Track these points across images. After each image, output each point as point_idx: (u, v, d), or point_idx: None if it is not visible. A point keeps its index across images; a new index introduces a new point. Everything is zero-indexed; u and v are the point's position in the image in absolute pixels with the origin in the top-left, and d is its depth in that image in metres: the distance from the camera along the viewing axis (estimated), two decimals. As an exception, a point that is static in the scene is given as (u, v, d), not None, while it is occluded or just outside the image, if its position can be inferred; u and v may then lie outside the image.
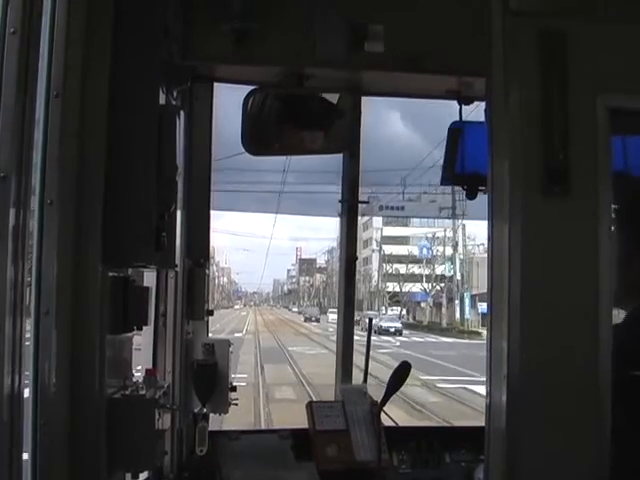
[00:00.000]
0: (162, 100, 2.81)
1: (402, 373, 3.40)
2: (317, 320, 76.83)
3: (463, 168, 3.68)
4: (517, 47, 2.36)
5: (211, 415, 3.48)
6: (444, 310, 67.54)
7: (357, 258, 4.06)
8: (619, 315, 2.56)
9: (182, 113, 3.38)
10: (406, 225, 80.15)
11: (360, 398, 3.61)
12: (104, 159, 2.34)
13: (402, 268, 77.04)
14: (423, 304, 76.31)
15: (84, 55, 2.29)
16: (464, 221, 57.78)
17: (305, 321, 78.80)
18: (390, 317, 62.23)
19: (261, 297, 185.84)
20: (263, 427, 15.39)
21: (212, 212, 3.74)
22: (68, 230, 2.24)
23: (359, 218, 4.15)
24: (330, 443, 3.44)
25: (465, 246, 66.42)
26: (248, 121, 3.72)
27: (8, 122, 1.93)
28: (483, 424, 2.41)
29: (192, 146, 3.60)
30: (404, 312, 76.79)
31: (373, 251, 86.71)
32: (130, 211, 2.42)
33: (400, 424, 4.13)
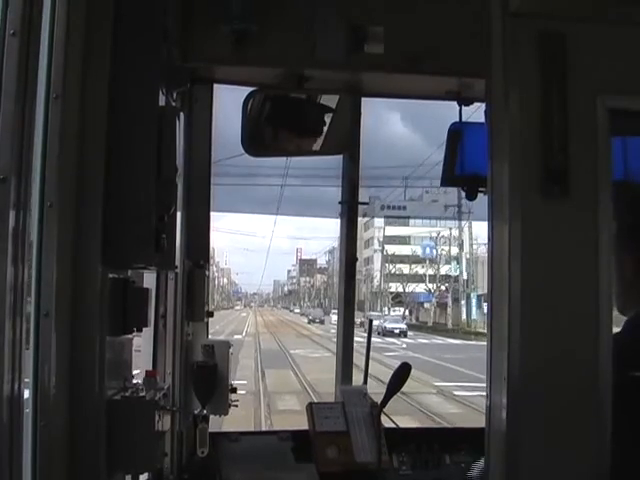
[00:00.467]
0: (162, 102, 2.81)
1: (402, 374, 3.41)
2: (322, 322, 74.52)
3: (463, 169, 3.68)
4: (517, 48, 2.36)
5: (211, 417, 3.48)
6: (449, 311, 66.58)
7: (357, 259, 4.06)
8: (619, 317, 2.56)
9: (182, 114, 3.39)
10: (407, 225, 79.59)
11: (360, 399, 3.61)
12: (104, 161, 2.34)
13: (405, 268, 76.33)
14: (426, 305, 75.49)
15: (84, 57, 2.29)
16: (470, 218, 56.88)
17: (309, 323, 76.83)
18: (394, 318, 61.35)
19: (261, 298, 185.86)
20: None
21: (212, 213, 3.74)
22: (68, 232, 2.24)
23: (359, 218, 4.15)
24: (330, 444, 3.44)
25: (472, 245, 65.63)
26: (248, 122, 3.72)
27: (8, 124, 1.93)
28: (483, 425, 2.42)
29: (192, 147, 3.60)
30: (406, 313, 75.94)
31: (375, 251, 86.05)
32: (130, 213, 2.42)
33: (401, 426, 4.12)
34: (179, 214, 3.21)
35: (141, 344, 3.30)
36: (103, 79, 2.34)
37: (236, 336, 41.67)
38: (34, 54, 2.02)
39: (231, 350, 3.53)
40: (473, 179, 3.57)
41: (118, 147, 2.39)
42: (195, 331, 3.58)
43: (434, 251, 73.18)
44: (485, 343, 2.46)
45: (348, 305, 4.06)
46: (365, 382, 3.78)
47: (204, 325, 3.66)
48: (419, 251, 76.39)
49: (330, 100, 3.82)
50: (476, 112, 3.49)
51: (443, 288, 70.13)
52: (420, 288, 74.50)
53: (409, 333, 54.25)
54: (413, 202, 73.49)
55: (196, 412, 3.42)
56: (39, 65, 2.07)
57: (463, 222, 62.30)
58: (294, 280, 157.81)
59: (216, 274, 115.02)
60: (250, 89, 3.68)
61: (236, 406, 3.57)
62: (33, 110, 2.04)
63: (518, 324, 2.28)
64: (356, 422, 3.52)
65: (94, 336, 2.29)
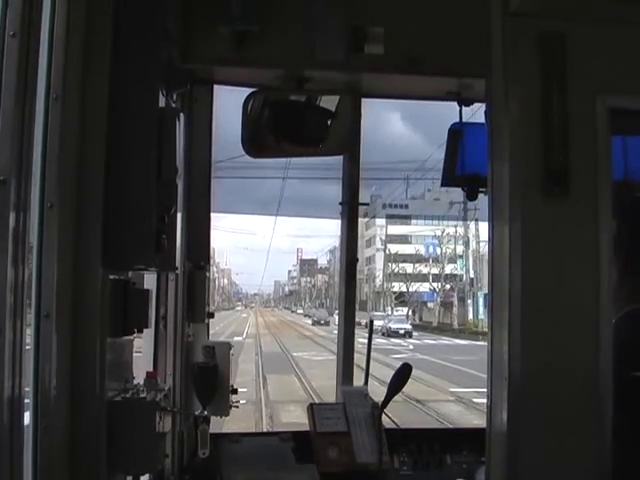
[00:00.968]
0: (162, 103, 2.81)
1: (403, 375, 3.41)
2: (327, 323, 69.32)
3: (463, 169, 3.68)
4: (516, 48, 2.36)
5: (212, 418, 3.47)
6: (455, 310, 65.27)
7: (357, 260, 4.06)
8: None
9: (182, 115, 3.39)
10: (409, 224, 78.86)
11: (361, 400, 3.61)
12: (104, 162, 2.34)
13: (409, 267, 75.40)
14: (430, 304, 74.16)
15: (84, 57, 2.29)
16: (476, 215, 56.10)
17: (313, 325, 72.43)
18: (399, 318, 60.19)
19: (262, 298, 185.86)
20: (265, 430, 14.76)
21: (212, 215, 3.74)
22: (68, 233, 2.24)
23: (360, 219, 4.15)
24: (331, 445, 3.44)
25: (478, 242, 64.77)
26: (248, 124, 3.71)
27: (8, 125, 1.93)
28: (484, 426, 2.42)
29: (192, 148, 3.60)
30: (409, 313, 74.82)
31: (377, 250, 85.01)
32: (130, 214, 2.42)
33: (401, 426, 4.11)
34: (179, 215, 3.21)
35: (142, 345, 3.30)
36: (103, 80, 2.34)
37: (236, 338, 39.38)
38: (34, 54, 2.02)
39: (232, 351, 3.53)
40: (473, 179, 3.57)
41: (118, 148, 2.39)
42: (196, 332, 3.58)
43: (438, 249, 72.04)
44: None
45: (349, 305, 4.05)
46: (366, 382, 3.78)
47: (205, 326, 3.66)
48: (422, 250, 75.15)
49: (330, 101, 3.82)
50: (478, 113, 3.49)
51: (448, 287, 69.39)
52: (424, 287, 73.16)
53: (414, 334, 53.13)
54: (415, 201, 73.16)
55: (197, 413, 3.42)
56: (39, 65, 2.07)
57: (468, 218, 61.46)
58: (295, 280, 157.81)
59: (216, 275, 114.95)
60: (250, 90, 3.68)
61: (237, 407, 3.57)
62: (33, 111, 2.04)
63: (519, 323, 2.28)
64: (357, 423, 3.52)
65: (94, 337, 2.29)
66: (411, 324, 58.61)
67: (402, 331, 51.96)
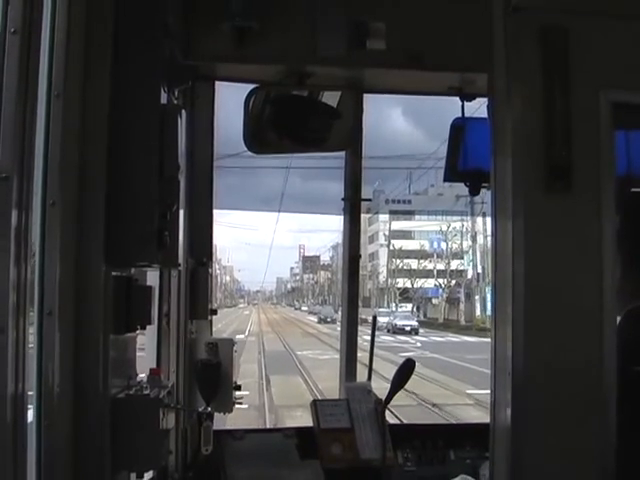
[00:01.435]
0: (163, 99, 2.81)
1: (407, 370, 3.40)
2: (333, 321, 64.05)
3: (466, 165, 3.68)
4: (519, 43, 2.35)
5: (215, 414, 3.47)
6: (462, 306, 64.41)
7: (360, 256, 4.06)
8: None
9: (184, 112, 3.38)
10: (413, 219, 78.30)
11: (364, 396, 3.61)
12: (106, 159, 2.33)
13: (413, 263, 74.66)
14: (435, 300, 73.18)
15: (85, 55, 2.29)
16: (483, 209, 55.25)
17: (319, 322, 69.18)
18: (404, 315, 59.22)
19: (264, 295, 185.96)
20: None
21: (215, 211, 3.74)
22: (70, 230, 2.24)
23: (363, 215, 4.14)
24: (335, 441, 3.44)
25: (486, 237, 63.92)
26: (250, 120, 3.71)
27: (9, 122, 1.93)
28: (488, 421, 2.41)
29: (194, 145, 3.60)
30: (414, 309, 74.04)
31: (381, 246, 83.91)
32: (132, 211, 2.42)
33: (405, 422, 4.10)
34: (182, 212, 3.21)
35: (145, 342, 3.30)
36: (104, 77, 2.34)
37: (238, 336, 34.56)
38: (35, 52, 2.02)
39: (235, 348, 3.53)
40: (476, 174, 3.56)
41: (120, 145, 2.39)
42: (199, 329, 3.58)
43: (443, 245, 70.96)
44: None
45: (351, 302, 4.05)
46: (369, 378, 3.78)
47: (208, 323, 3.66)
48: (427, 245, 74.17)
49: (332, 97, 3.81)
50: (481, 108, 3.48)
51: (454, 282, 68.81)
52: (429, 283, 72.24)
53: (420, 330, 52.03)
54: (418, 196, 72.83)
55: (200, 410, 3.42)
56: (40, 63, 2.06)
57: (476, 212, 60.76)
58: (297, 277, 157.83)
59: (219, 272, 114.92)
60: (252, 86, 3.68)
61: (240, 403, 3.57)
62: (34, 108, 2.04)
63: (522, 319, 2.27)
64: (360, 419, 3.52)
65: (98, 334, 2.29)
66: (417, 320, 57.94)
67: (408, 328, 50.97)
